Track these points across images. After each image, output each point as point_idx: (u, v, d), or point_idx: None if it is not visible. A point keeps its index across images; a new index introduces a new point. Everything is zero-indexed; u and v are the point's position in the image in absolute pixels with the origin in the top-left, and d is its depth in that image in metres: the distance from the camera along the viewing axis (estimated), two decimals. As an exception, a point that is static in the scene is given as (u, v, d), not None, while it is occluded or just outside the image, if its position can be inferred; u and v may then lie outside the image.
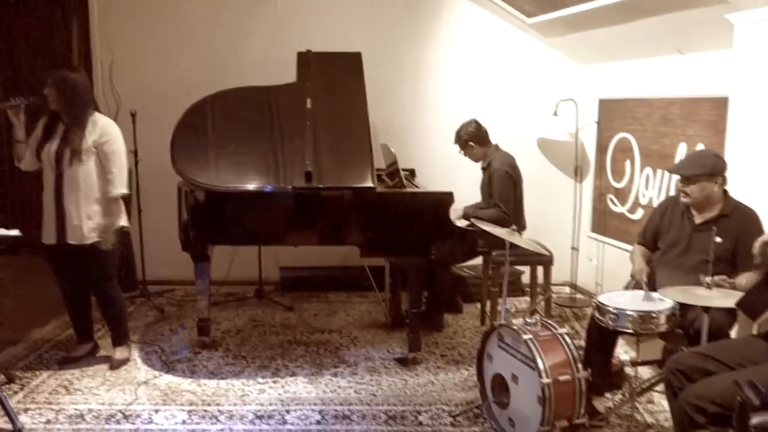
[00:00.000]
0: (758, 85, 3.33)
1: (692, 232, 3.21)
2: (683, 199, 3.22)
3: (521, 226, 4.55)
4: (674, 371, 2.50)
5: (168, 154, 4.09)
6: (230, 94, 4.34)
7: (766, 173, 3.28)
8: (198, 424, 3.25)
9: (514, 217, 4.45)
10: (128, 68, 5.38)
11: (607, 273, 5.20)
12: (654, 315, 2.86)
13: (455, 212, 4.36)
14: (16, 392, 3.55)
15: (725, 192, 3.21)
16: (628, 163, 4.92)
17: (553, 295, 5.28)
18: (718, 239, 3.08)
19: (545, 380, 2.83)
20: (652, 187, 4.63)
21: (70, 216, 3.67)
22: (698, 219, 3.22)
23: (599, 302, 3.02)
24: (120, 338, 3.99)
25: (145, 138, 5.02)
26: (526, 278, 5.00)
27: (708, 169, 3.15)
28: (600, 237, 5.32)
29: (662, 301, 2.94)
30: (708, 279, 2.76)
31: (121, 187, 3.75)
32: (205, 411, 3.37)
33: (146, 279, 5.27)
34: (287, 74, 4.41)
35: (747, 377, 2.21)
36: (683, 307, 2.97)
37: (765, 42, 3.27)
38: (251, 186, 3.91)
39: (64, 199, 3.67)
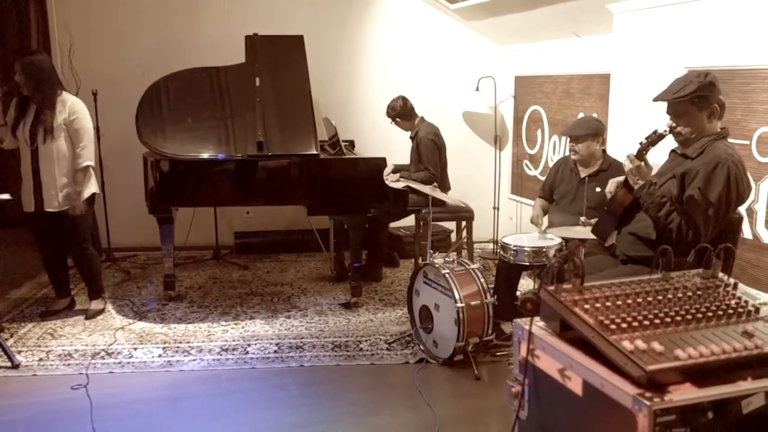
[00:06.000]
0: (632, 64, 4.07)
1: (578, 184, 3.94)
2: (573, 156, 3.95)
3: (446, 187, 5.24)
4: (547, 283, 3.22)
5: (128, 130, 4.55)
6: (185, 74, 4.79)
7: (638, 136, 4.02)
8: (173, 356, 3.82)
9: (440, 178, 5.12)
10: (86, 50, 5.70)
11: (524, 229, 5.92)
12: (544, 249, 3.58)
13: (392, 175, 5.02)
14: (6, 339, 4.00)
15: (604, 151, 3.95)
16: (539, 132, 5.65)
17: (478, 250, 6.00)
18: (598, 189, 3.82)
19: (460, 305, 3.52)
20: (558, 152, 5.37)
21: (46, 187, 4.13)
22: (583, 173, 3.95)
23: (504, 242, 3.72)
24: (95, 292, 4.49)
25: (105, 115, 5.44)
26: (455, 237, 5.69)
27: (592, 130, 3.88)
28: (518, 198, 6.06)
29: (552, 240, 3.67)
30: (583, 219, 3.49)
31: (87, 160, 4.20)
32: (178, 347, 3.94)
33: (111, 246, 5.74)
34: (237, 55, 4.89)
35: None
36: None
37: (637, 28, 4.00)
38: (211, 155, 4.44)
39: (40, 172, 4.13)
